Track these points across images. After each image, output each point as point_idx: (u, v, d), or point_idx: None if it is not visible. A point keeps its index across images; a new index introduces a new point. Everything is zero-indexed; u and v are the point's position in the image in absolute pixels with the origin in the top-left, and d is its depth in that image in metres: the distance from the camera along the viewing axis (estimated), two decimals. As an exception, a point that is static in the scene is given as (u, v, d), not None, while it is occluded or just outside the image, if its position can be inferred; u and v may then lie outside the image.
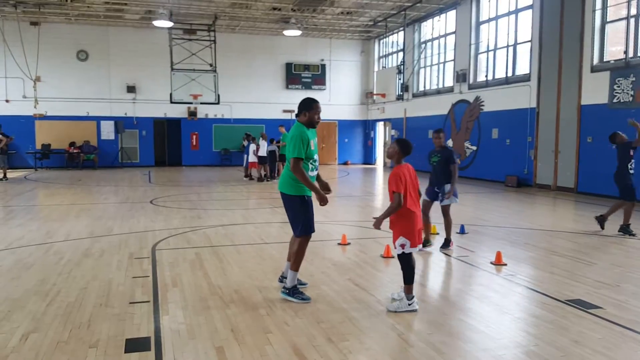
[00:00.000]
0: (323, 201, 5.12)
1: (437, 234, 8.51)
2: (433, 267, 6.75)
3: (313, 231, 5.23)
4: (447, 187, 7.36)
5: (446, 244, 7.51)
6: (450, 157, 7.50)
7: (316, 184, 5.23)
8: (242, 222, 9.82)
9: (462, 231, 8.69)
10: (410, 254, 4.83)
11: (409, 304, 4.82)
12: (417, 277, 6.12)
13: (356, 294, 5.41)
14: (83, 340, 4.14)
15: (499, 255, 6.68)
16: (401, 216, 4.81)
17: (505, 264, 6.59)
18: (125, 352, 3.93)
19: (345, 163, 28.23)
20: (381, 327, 4.51)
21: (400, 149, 4.92)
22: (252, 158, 18.48)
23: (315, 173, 5.23)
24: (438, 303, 5.24)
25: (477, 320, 4.71)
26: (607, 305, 5.02)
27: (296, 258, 5.20)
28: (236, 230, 8.99)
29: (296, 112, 5.29)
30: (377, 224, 4.85)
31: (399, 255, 4.85)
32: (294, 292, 5.19)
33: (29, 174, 21.05)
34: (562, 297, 5.26)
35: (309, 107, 5.13)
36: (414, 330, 4.43)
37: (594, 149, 13.97)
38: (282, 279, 5.51)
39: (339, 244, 7.78)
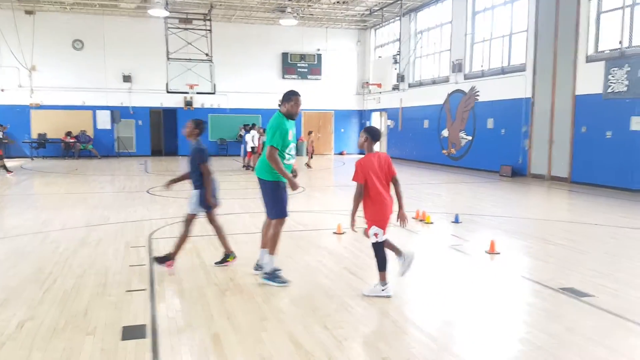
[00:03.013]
0: (294, 187, 5.28)
1: (432, 223, 8.56)
2: (428, 255, 6.80)
3: (286, 215, 5.39)
4: (196, 193, 5.80)
5: (163, 259, 5.77)
6: (197, 154, 5.90)
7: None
8: (238, 211, 9.85)
9: (456, 220, 8.74)
10: (383, 242, 4.90)
11: (382, 290, 4.91)
12: (412, 266, 6.18)
13: (351, 282, 5.46)
14: (80, 328, 4.17)
15: (492, 244, 6.73)
16: (372, 205, 4.88)
17: (499, 253, 6.64)
18: (122, 339, 3.97)
19: (341, 153, 28.24)
20: (376, 315, 4.56)
21: (369, 136, 4.98)
22: (249, 147, 18.50)
23: (292, 162, 5.41)
24: (432, 291, 5.29)
25: (471, 308, 4.76)
26: (600, 293, 5.08)
27: (273, 242, 5.35)
28: (232, 219, 9.02)
29: (279, 103, 5.46)
30: (351, 224, 4.90)
31: (372, 243, 4.92)
32: (273, 276, 5.33)
33: (25, 163, 20.99)
34: (555, 285, 5.31)
35: (288, 99, 5.32)
36: (408, 318, 4.49)
37: (589, 139, 14.02)
38: (258, 267, 5.62)
39: (335, 233, 7.82)
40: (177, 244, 5.79)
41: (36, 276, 5.55)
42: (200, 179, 5.80)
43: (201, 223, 8.59)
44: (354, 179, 4.88)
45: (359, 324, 4.32)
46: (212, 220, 5.99)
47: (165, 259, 5.76)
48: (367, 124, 27.90)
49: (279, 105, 5.40)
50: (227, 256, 6.04)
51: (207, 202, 5.76)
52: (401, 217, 5.01)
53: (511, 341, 4.02)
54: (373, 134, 5.01)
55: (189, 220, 5.83)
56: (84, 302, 4.76)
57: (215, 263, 6.03)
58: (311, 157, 20.19)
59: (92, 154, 24.16)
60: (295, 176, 5.50)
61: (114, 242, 7.19)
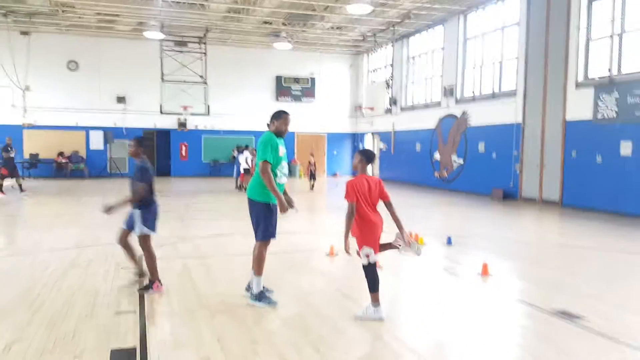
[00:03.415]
0: (283, 209, 5.24)
1: (424, 245, 8.56)
2: (420, 278, 6.79)
3: (273, 237, 5.40)
4: (136, 213, 5.73)
5: (147, 287, 5.76)
6: (139, 173, 5.73)
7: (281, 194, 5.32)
8: (230, 232, 9.81)
9: (449, 242, 8.75)
10: (374, 263, 4.90)
11: (375, 311, 4.89)
12: (405, 288, 6.15)
13: (344, 304, 5.43)
14: (68, 351, 4.11)
15: (485, 266, 6.74)
16: (362, 226, 4.90)
17: (492, 275, 6.64)
18: (110, 361, 3.92)
19: (334, 175, 28.31)
20: (368, 337, 4.53)
21: (364, 157, 5.05)
22: (242, 169, 18.50)
23: (284, 180, 5.42)
24: (425, 314, 5.27)
25: (464, 330, 4.74)
26: (593, 316, 5.08)
27: (258, 263, 5.34)
28: (224, 241, 8.98)
29: (268, 122, 5.52)
30: (345, 245, 4.87)
31: (364, 265, 4.91)
32: (261, 297, 5.31)
33: (16, 183, 20.81)
34: (548, 308, 5.31)
35: (277, 117, 5.42)
36: (401, 340, 4.45)
37: (579, 164, 14.16)
38: (249, 288, 5.58)
39: (327, 254, 7.80)
40: (150, 268, 5.74)
41: (24, 297, 5.48)
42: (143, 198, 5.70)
43: (194, 245, 8.56)
44: (346, 198, 4.90)
45: (351, 347, 4.29)
46: (144, 243, 5.79)
47: (150, 285, 5.71)
48: (360, 147, 28.07)
49: (268, 125, 5.48)
50: (152, 282, 5.77)
51: (148, 221, 5.69)
52: (406, 237, 5.03)
53: (504, 365, 4.00)
54: (367, 156, 5.07)
55: (144, 241, 5.75)
56: (72, 324, 4.70)
57: (139, 289, 5.75)
58: (313, 179, 19.86)
59: (84, 173, 24.06)
60: (289, 203, 5.43)
61: (104, 263, 7.12)
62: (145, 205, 5.71)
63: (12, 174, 16.40)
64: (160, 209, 5.95)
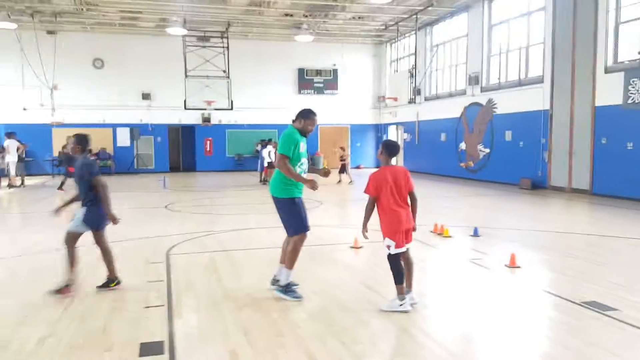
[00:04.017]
0: (313, 187, 5.22)
1: (450, 237, 8.49)
2: (447, 270, 6.73)
3: (308, 230, 5.38)
4: (82, 210, 5.59)
5: (107, 283, 5.74)
6: (85, 169, 5.56)
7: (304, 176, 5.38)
8: (255, 226, 9.87)
9: (475, 234, 8.64)
10: (397, 254, 4.89)
11: (400, 305, 4.86)
12: (431, 280, 6.12)
13: (369, 296, 5.42)
14: (98, 345, 4.20)
15: (513, 257, 6.64)
16: (385, 217, 4.91)
17: (520, 267, 6.55)
18: (139, 355, 3.99)
19: (358, 167, 28.21)
20: (394, 330, 4.51)
21: (385, 150, 5.03)
22: (266, 163, 18.60)
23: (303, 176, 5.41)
24: (451, 306, 5.22)
25: (491, 322, 4.69)
26: (623, 307, 4.97)
27: (291, 257, 5.33)
28: (249, 235, 9.04)
29: (294, 118, 5.49)
30: (363, 230, 5.02)
31: (387, 256, 4.92)
32: (287, 290, 5.33)
33: (46, 180, 21.34)
34: (576, 299, 5.21)
35: (306, 117, 5.37)
36: (427, 333, 4.42)
37: (609, 151, 13.82)
38: (274, 281, 5.59)
39: (351, 247, 7.79)
40: (69, 268, 5.50)
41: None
42: (91, 194, 5.50)
43: (220, 239, 8.64)
44: (365, 192, 4.96)
45: (376, 340, 4.28)
46: (100, 241, 5.66)
47: (63, 288, 5.45)
48: (384, 138, 27.93)
49: (293, 122, 5.44)
50: (111, 281, 5.71)
51: (97, 220, 5.52)
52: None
53: (532, 356, 3.95)
54: (389, 148, 5.04)
55: (70, 239, 5.54)
56: (102, 319, 4.79)
57: (97, 287, 5.69)
58: (345, 172, 19.64)
59: (110, 170, 24.47)
60: (327, 173, 5.69)
61: (132, 259, 7.23)
62: (92, 203, 5.52)
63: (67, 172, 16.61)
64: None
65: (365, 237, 5.00)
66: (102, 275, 6.38)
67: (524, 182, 16.60)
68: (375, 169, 5.09)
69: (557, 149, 15.72)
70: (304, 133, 5.38)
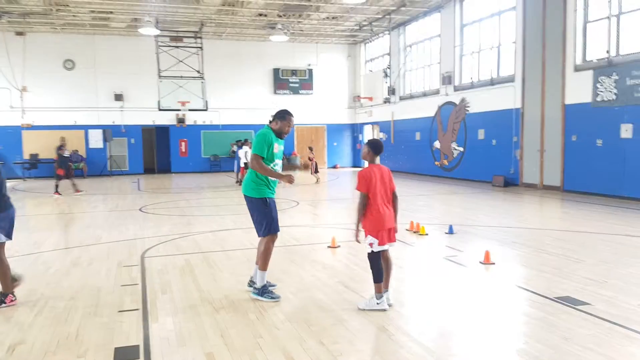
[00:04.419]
0: (288, 179, 5.22)
1: (426, 234, 8.56)
2: (423, 267, 6.78)
3: (277, 230, 5.38)
4: None
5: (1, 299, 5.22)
6: None
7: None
8: (231, 227, 9.80)
9: (450, 231, 8.73)
10: (378, 253, 4.90)
11: (377, 303, 4.89)
12: (407, 278, 6.15)
13: (346, 296, 5.41)
14: (71, 351, 4.11)
15: (487, 254, 6.72)
16: (370, 215, 4.91)
17: (494, 263, 6.63)
18: (114, 360, 3.91)
19: (335, 167, 28.28)
20: (372, 329, 4.52)
21: (371, 149, 5.05)
22: (242, 163, 18.48)
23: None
24: (428, 303, 5.26)
25: (467, 319, 4.73)
26: (596, 301, 5.06)
27: (263, 258, 5.33)
28: (226, 236, 8.97)
29: (270, 118, 5.48)
30: (356, 234, 4.98)
31: (368, 254, 4.93)
32: (264, 291, 5.32)
33: (17, 184, 20.85)
34: (551, 295, 5.30)
35: (282, 118, 5.37)
36: (404, 331, 4.44)
37: (579, 148, 14.11)
38: (251, 283, 5.58)
39: (329, 247, 7.79)
40: (3, 280, 5.20)
41: (27, 298, 5.46)
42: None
43: (195, 241, 8.55)
44: (357, 188, 4.94)
45: (354, 339, 4.28)
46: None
47: (3, 299, 5.19)
48: (360, 138, 28.07)
49: (270, 122, 5.43)
50: (4, 295, 5.23)
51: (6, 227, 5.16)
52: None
53: (508, 352, 3.99)
54: (374, 147, 5.06)
55: None
56: (75, 324, 4.69)
57: None
58: (315, 172, 19.70)
59: (83, 172, 24.06)
60: (307, 166, 5.60)
61: (106, 262, 7.12)
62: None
63: (68, 174, 16.27)
64: (16, 214, 5.52)
65: (359, 242, 4.98)
66: (76, 279, 6.26)
67: (497, 180, 16.85)
68: (354, 168, 5.09)
69: (529, 146, 15.99)
70: (279, 134, 5.37)
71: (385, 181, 4.99)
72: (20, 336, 4.42)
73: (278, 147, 5.37)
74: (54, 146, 23.50)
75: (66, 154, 16.32)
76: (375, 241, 4.87)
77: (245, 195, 5.39)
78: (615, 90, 12.92)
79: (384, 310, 4.86)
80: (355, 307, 4.98)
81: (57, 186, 15.97)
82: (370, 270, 4.93)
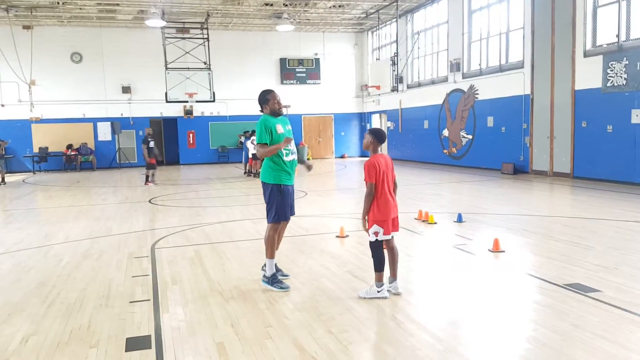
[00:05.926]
0: (285, 141, 5.27)
1: (435, 223, 8.54)
2: (432, 256, 6.77)
3: (286, 219, 5.41)
4: None
5: None
6: None
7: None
8: (240, 218, 9.83)
9: (459, 219, 8.70)
10: (380, 242, 4.91)
11: (378, 291, 4.90)
12: (416, 266, 6.16)
13: (355, 284, 5.43)
14: (83, 341, 4.16)
15: (496, 242, 6.70)
16: (375, 204, 4.89)
17: (504, 251, 6.61)
18: (126, 350, 3.95)
19: (342, 156, 28.22)
20: (381, 318, 4.53)
21: (374, 138, 5.01)
22: (250, 154, 18.51)
23: (291, 157, 5.40)
24: (437, 292, 5.26)
25: (477, 307, 4.73)
26: (606, 288, 5.04)
27: (269, 244, 5.35)
28: (234, 227, 9.00)
29: (259, 108, 5.55)
30: (363, 224, 4.98)
31: (371, 242, 4.93)
32: (273, 280, 5.33)
33: (27, 177, 21.03)
34: (560, 282, 5.28)
35: (266, 100, 5.46)
36: (413, 319, 4.45)
37: (589, 134, 13.99)
38: (264, 267, 5.59)
39: (337, 236, 7.80)
40: None
41: (39, 290, 5.54)
42: None
43: (205, 232, 8.59)
44: (365, 179, 4.91)
45: (363, 327, 4.29)
46: None
47: None
48: (368, 127, 27.95)
49: (261, 111, 5.50)
50: None
51: None
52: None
53: (518, 340, 3.99)
54: (377, 136, 5.03)
55: None
56: (87, 315, 4.74)
57: None
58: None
59: (92, 165, 24.22)
60: (310, 167, 5.86)
61: (116, 254, 7.17)
62: None
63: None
64: None
65: (367, 232, 4.94)
66: (87, 271, 6.32)
67: (506, 167, 16.75)
68: (362, 158, 5.08)
69: (538, 133, 15.87)
70: (275, 113, 5.41)
71: (389, 170, 4.98)
72: (33, 327, 4.48)
73: (282, 127, 5.37)
74: (65, 140, 23.97)
75: (152, 144, 16.42)
76: (381, 230, 4.87)
77: (262, 181, 5.43)
78: (625, 76, 12.77)
79: (385, 298, 4.87)
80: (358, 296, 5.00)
81: (147, 176, 16.45)
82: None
